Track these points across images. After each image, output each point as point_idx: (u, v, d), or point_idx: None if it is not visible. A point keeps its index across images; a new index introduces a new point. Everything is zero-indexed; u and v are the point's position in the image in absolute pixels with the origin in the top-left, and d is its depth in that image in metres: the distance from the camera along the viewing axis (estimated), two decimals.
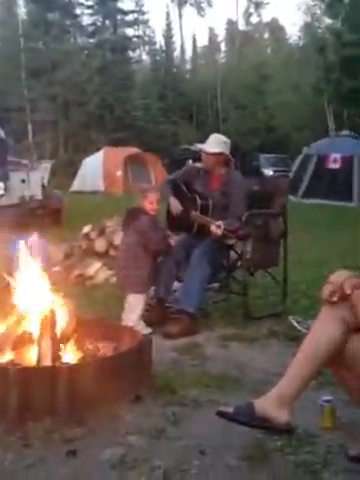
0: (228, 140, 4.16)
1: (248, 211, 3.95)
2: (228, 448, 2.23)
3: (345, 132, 16.24)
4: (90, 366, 2.61)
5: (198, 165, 4.38)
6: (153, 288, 3.95)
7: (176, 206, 4.09)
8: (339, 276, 2.07)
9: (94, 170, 18.29)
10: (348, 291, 2.00)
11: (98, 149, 20.63)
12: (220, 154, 4.05)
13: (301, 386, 2.07)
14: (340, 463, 2.12)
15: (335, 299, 2.03)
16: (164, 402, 2.63)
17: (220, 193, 4.08)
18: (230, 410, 2.12)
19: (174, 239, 3.98)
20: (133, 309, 3.67)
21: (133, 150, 19.93)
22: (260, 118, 30.09)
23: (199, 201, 4.04)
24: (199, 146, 4.21)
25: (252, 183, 4.55)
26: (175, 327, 3.73)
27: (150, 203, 3.71)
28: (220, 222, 3.75)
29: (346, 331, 2.03)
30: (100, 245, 5.93)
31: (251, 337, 3.67)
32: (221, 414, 2.14)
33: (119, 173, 18.32)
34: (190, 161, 18.85)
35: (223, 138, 4.16)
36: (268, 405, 2.06)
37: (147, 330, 3.62)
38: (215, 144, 4.07)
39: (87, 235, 6.15)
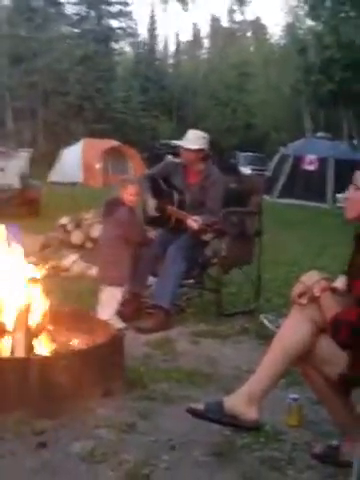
0: (206, 136, 4.15)
1: (225, 208, 3.96)
2: (197, 444, 2.25)
3: (321, 134, 16.42)
4: (62, 359, 2.59)
5: (176, 160, 4.37)
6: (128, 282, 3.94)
7: (151, 207, 4.07)
8: (310, 277, 2.10)
9: (73, 161, 18.09)
10: (317, 294, 2.03)
11: (77, 140, 20.41)
12: (199, 150, 4.05)
13: (270, 384, 2.10)
14: (305, 460, 2.16)
15: (304, 301, 2.06)
16: (135, 396, 2.64)
17: (198, 188, 4.08)
18: (200, 407, 2.14)
19: (151, 233, 3.98)
20: (109, 302, 3.65)
21: (113, 143, 19.76)
22: (240, 116, 30.20)
23: (176, 196, 4.04)
24: (177, 143, 4.19)
25: (229, 181, 4.56)
26: (149, 322, 3.74)
27: (130, 195, 3.69)
28: (197, 217, 3.76)
29: (315, 331, 2.06)
30: (77, 237, 5.89)
31: (223, 334, 3.69)
32: (191, 411, 2.16)
33: (98, 165, 18.17)
34: (169, 156, 18.89)
35: (201, 133, 4.15)
36: (237, 402, 2.09)
37: (121, 324, 3.61)
38: (193, 140, 4.06)
39: (64, 227, 6.10)
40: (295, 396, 2.48)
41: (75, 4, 31.89)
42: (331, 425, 2.29)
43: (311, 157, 14.62)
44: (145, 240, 3.81)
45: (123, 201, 3.70)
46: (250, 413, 2.08)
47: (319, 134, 16.48)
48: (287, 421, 2.45)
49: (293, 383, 2.73)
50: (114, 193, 3.80)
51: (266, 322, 3.67)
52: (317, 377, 2.11)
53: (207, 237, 3.97)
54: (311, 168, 14.56)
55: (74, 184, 17.17)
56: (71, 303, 3.91)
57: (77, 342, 2.90)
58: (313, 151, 14.71)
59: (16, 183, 9.46)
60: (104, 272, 3.74)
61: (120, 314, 3.73)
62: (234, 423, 2.11)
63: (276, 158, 15.95)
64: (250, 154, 23.59)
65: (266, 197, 12.13)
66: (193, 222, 3.73)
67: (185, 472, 2.09)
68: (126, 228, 3.64)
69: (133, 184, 3.78)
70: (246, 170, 21.35)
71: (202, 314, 4.08)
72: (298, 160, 14.76)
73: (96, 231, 5.54)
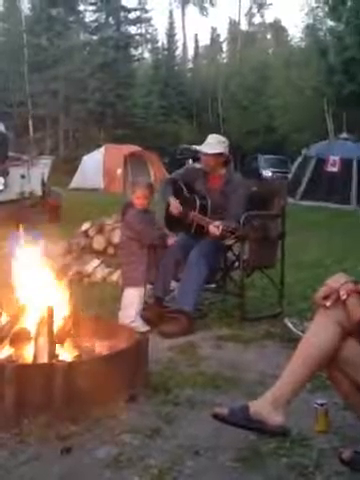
0: (226, 140, 4.15)
1: (246, 212, 3.96)
2: (222, 449, 2.23)
3: (344, 135, 16.26)
4: (86, 364, 2.61)
5: (198, 165, 4.38)
6: (151, 287, 3.96)
7: (176, 206, 4.08)
8: (337, 280, 2.08)
9: (94, 167, 18.27)
10: (344, 297, 2.01)
11: (98, 146, 20.60)
12: (219, 154, 4.05)
13: (296, 389, 2.07)
14: (332, 466, 2.13)
15: (328, 303, 2.04)
16: (159, 401, 2.63)
17: (219, 193, 4.08)
18: (225, 412, 2.12)
19: (172, 238, 3.99)
20: (130, 304, 3.68)
21: (133, 148, 19.91)
22: (260, 119, 30.07)
23: (198, 201, 4.05)
24: (197, 148, 4.20)
25: (251, 184, 4.56)
26: (172, 326, 3.74)
27: (137, 198, 3.74)
28: (218, 222, 3.75)
29: (341, 335, 2.03)
30: (98, 243, 5.91)
31: (247, 338, 3.67)
32: (216, 416, 2.15)
33: (119, 171, 18.32)
34: (190, 161, 18.91)
35: (221, 138, 4.16)
36: (263, 407, 2.07)
37: (145, 327, 3.63)
38: (213, 145, 4.07)
39: (86, 232, 6.14)
40: (322, 401, 2.44)
41: (94, 12, 32.25)
42: (359, 430, 2.25)
43: (334, 158, 14.48)
44: (159, 241, 3.82)
45: (133, 204, 3.74)
46: (276, 418, 2.06)
47: (342, 135, 16.32)
48: (314, 426, 2.41)
49: (319, 387, 2.70)
50: (128, 197, 3.87)
51: (290, 326, 3.64)
52: (344, 381, 2.08)
53: (229, 241, 3.96)
54: (334, 169, 14.42)
55: (95, 190, 17.34)
56: (94, 309, 3.95)
57: (101, 347, 2.91)
58: (336, 152, 14.57)
59: (38, 190, 9.59)
60: (123, 274, 3.79)
61: (143, 318, 3.75)
62: (260, 428, 2.09)
63: (299, 160, 15.83)
64: (272, 156, 23.47)
65: (289, 199, 12.06)
66: (215, 229, 3.72)
67: (210, 478, 2.07)
68: (135, 229, 3.69)
69: (141, 188, 3.81)
70: (268, 173, 21.33)
71: (225, 318, 4.07)
72: (321, 162, 14.64)
73: (117, 236, 5.57)
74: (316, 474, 2.09)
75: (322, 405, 2.43)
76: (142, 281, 3.72)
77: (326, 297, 2.06)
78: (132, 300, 3.69)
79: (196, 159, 4.85)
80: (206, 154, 4.08)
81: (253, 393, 2.46)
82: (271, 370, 2.94)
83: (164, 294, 4.02)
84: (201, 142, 4.22)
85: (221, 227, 3.70)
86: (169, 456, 2.18)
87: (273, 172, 21.20)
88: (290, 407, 2.10)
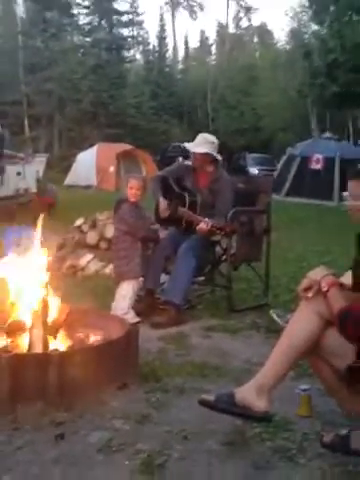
0: (216, 140, 4.14)
1: (233, 208, 3.96)
2: (209, 434, 2.24)
3: (327, 134, 16.32)
4: (79, 354, 2.61)
5: (187, 163, 4.38)
6: (142, 279, 3.96)
7: (163, 209, 4.08)
8: (318, 273, 2.09)
9: (87, 165, 18.16)
10: (324, 288, 2.02)
11: (91, 145, 20.49)
12: (207, 154, 4.05)
13: (279, 376, 2.09)
14: (315, 449, 2.15)
15: (310, 295, 2.05)
16: (149, 389, 2.64)
17: (208, 190, 4.08)
18: (212, 398, 2.13)
19: (163, 233, 3.99)
20: (123, 297, 3.68)
21: (125, 146, 19.83)
22: (248, 119, 30.12)
23: (187, 198, 4.04)
24: (187, 146, 4.20)
25: (238, 181, 4.56)
26: (162, 317, 3.75)
27: (130, 188, 3.71)
28: (207, 219, 3.76)
29: (322, 325, 2.05)
30: (92, 237, 5.90)
31: (234, 328, 3.69)
32: (203, 402, 2.16)
33: (111, 169, 18.23)
34: (180, 158, 18.87)
35: (210, 138, 4.14)
36: (248, 394, 2.08)
37: (136, 319, 3.63)
38: (202, 144, 4.06)
39: (79, 228, 6.12)
40: (305, 387, 2.46)
41: (87, 14, 32.00)
42: (340, 415, 2.27)
43: (318, 156, 14.54)
44: (151, 235, 3.81)
45: (127, 199, 3.73)
46: (260, 404, 2.07)
47: (325, 135, 16.38)
48: (297, 411, 2.43)
49: (303, 375, 2.72)
50: (122, 193, 3.85)
51: (275, 317, 3.65)
52: (325, 368, 2.10)
53: (216, 237, 3.97)
54: (318, 167, 14.48)
55: (89, 187, 17.27)
56: (87, 301, 3.94)
57: (93, 337, 2.91)
58: (320, 151, 14.63)
59: (33, 187, 9.53)
60: (117, 268, 3.77)
61: (135, 310, 3.75)
62: (245, 414, 2.10)
63: (284, 158, 15.88)
64: (258, 155, 23.50)
65: (274, 196, 12.09)
66: (203, 225, 3.73)
67: (198, 461, 2.08)
68: (128, 223, 3.67)
69: (134, 178, 3.80)
70: (254, 171, 21.34)
71: (213, 310, 4.08)
72: (305, 160, 14.69)
73: (110, 231, 5.56)
74: (299, 457, 2.11)
75: (305, 391, 2.45)
76: (136, 275, 3.72)
77: (308, 289, 2.07)
78: (126, 293, 3.69)
79: (186, 157, 4.84)
80: (195, 153, 4.07)
81: (239, 380, 2.47)
82: (257, 358, 2.95)
83: (155, 286, 4.02)
84: (191, 140, 4.21)
85: (210, 224, 3.71)
86: (159, 441, 2.19)
87: (259, 170, 21.20)
88: (274, 393, 2.11)
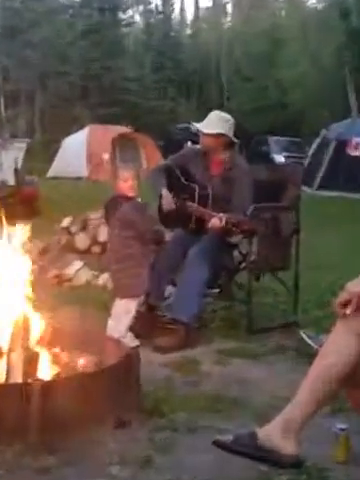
0: (231, 119, 4.15)
1: (254, 204, 3.96)
2: None
3: None
4: (67, 383, 2.62)
5: (197, 147, 4.39)
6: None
7: (168, 202, 4.08)
8: (357, 284, 2.09)
9: (76, 152, 18.24)
10: None
11: (81, 127, 20.59)
12: (220, 135, 4.05)
13: (311, 412, 2.09)
14: None
15: (348, 311, 2.05)
16: (152, 427, 2.64)
17: (222, 181, 4.09)
18: (229, 439, 2.14)
19: (168, 235, 3.99)
20: (122, 317, 3.67)
21: (123, 129, 19.91)
22: (271, 94, 30.11)
23: (197, 190, 4.05)
24: (196, 125, 4.21)
25: (260, 171, 4.57)
26: (167, 339, 3.76)
27: (124, 181, 3.68)
28: (222, 214, 3.76)
29: None
30: (82, 241, 5.93)
31: (256, 352, 3.69)
32: (218, 444, 2.16)
33: (106, 156, 18.29)
34: (189, 143, 18.90)
35: (225, 116, 4.16)
36: (273, 434, 2.08)
37: (135, 342, 3.62)
38: (215, 123, 4.06)
39: (67, 229, 6.15)
40: (342, 426, 2.45)
41: None
42: None
43: (358, 140, 14.49)
44: (158, 237, 3.80)
45: (125, 195, 3.70)
46: (288, 446, 2.07)
47: None
48: (332, 455, 2.42)
49: (339, 410, 2.71)
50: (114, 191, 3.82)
51: (306, 338, 3.66)
52: None
53: (234, 239, 3.97)
54: (358, 154, 14.43)
55: (78, 179, 17.33)
56: (76, 318, 3.95)
57: (84, 363, 2.92)
58: None
59: (10, 179, 9.57)
60: (117, 283, 3.73)
61: (134, 330, 3.75)
62: (269, 458, 2.10)
63: (316, 142, 15.85)
64: (284, 139, 23.50)
65: (304, 188, 12.07)
66: (217, 220, 3.73)
67: None
68: (137, 225, 3.63)
69: (125, 169, 3.77)
70: (280, 158, 21.36)
71: (230, 329, 4.08)
72: (342, 144, 14.64)
73: (104, 234, 5.58)
74: None
75: (342, 430, 2.44)
76: (142, 290, 3.69)
77: (346, 304, 2.07)
78: (125, 311, 3.65)
79: (196, 142, 4.84)
80: (206, 134, 4.08)
81: (262, 417, 2.47)
82: (283, 390, 2.94)
83: (158, 301, 4.03)
84: (201, 120, 4.21)
85: (224, 219, 3.71)
86: None
87: (286, 157, 21.22)
88: (305, 433, 2.11)
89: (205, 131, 4.08)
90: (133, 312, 3.67)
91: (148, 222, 3.71)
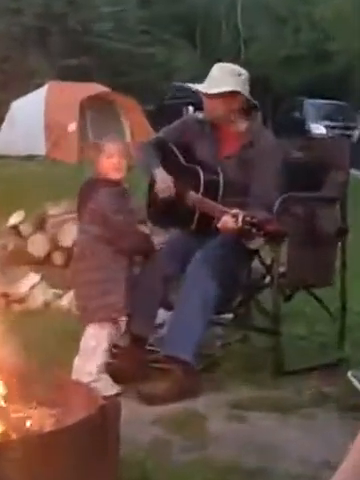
0: (245, 72, 4.16)
1: (283, 194, 3.98)
2: None
3: None
4: (18, 447, 2.61)
5: (201, 116, 4.40)
6: (124, 319, 3.97)
7: (165, 186, 4.09)
8: None
9: (30, 120, 18.26)
10: None
11: (38, 85, 20.60)
12: (232, 96, 4.05)
13: None
14: None
15: None
16: None
17: (237, 162, 4.11)
18: None
19: (160, 239, 4.00)
20: (94, 350, 3.69)
21: (96, 88, 19.91)
22: (305, 39, 30.24)
23: (202, 176, 4.06)
24: (195, 87, 4.22)
25: (291, 147, 4.59)
26: (160, 385, 3.77)
27: (108, 157, 3.73)
28: (236, 210, 3.76)
29: None
30: (38, 246, 5.93)
31: (284, 404, 3.69)
32: None
33: (72, 126, 18.30)
34: (190, 108, 18.95)
35: (235, 68, 4.17)
36: None
37: (114, 389, 3.64)
38: (220, 79, 4.07)
39: (16, 229, 6.16)
40: None
41: None
42: None
43: None
44: (142, 244, 3.82)
45: (105, 179, 3.74)
46: None
47: None
48: None
49: None
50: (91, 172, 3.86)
51: (357, 383, 3.66)
52: None
53: (254, 243, 3.96)
54: None
55: (32, 158, 17.34)
56: (31, 354, 3.94)
57: (39, 420, 2.92)
58: None
59: None
60: (81, 302, 3.78)
61: (112, 372, 3.76)
62: None
63: None
64: (326, 102, 23.59)
65: (354, 172, 12.10)
66: (230, 218, 3.73)
67: None
68: (107, 221, 3.66)
69: (112, 143, 3.82)
70: (319, 128, 21.41)
71: (248, 371, 4.08)
72: None
73: (69, 235, 5.58)
74: None
75: None
76: (116, 312, 3.74)
77: None
78: (96, 344, 3.69)
79: (199, 107, 4.86)
80: (210, 96, 4.08)
81: None
82: (324, 456, 2.96)
83: (146, 331, 4.03)
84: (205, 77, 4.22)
85: (241, 217, 3.71)
86: None
87: (328, 127, 21.27)
88: None
89: (208, 91, 4.09)
90: (105, 345, 3.70)
91: (130, 221, 3.73)
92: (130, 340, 4.02)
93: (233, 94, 4.05)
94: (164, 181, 4.11)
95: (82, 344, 3.74)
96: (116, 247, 3.71)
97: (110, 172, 3.73)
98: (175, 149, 4.22)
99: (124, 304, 3.74)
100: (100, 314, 3.70)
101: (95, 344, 3.70)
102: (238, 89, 4.05)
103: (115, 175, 3.73)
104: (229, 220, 3.74)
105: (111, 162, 3.72)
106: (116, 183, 3.74)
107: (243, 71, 4.15)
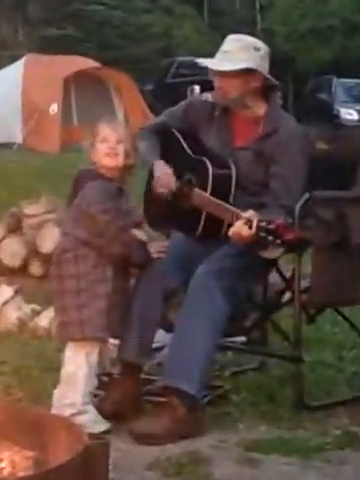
0: (264, 46, 4.18)
1: (308, 193, 4.00)
2: None
3: None
4: None
5: (210, 98, 4.41)
6: (115, 342, 3.97)
7: (167, 180, 4.11)
8: None
9: (3, 101, 18.30)
10: None
11: (13, 59, 20.65)
12: (247, 74, 4.06)
13: None
14: None
15: None
16: None
17: (252, 154, 4.12)
18: None
19: (157, 245, 4.01)
20: (73, 379, 3.70)
21: (83, 62, 19.95)
22: (334, 9, 30.30)
23: (211, 170, 4.08)
24: (203, 62, 4.23)
25: (317, 136, 4.59)
26: (157, 422, 3.76)
27: (102, 141, 3.75)
28: (252, 212, 3.77)
29: None
30: (11, 252, 5.94)
31: (307, 446, 3.69)
32: None
33: (54, 108, 18.33)
34: (196, 88, 18.95)
35: (252, 41, 4.18)
36: None
37: (103, 425, 3.64)
38: (235, 54, 4.08)
39: None
40: None
41: None
42: None
43: None
44: (136, 252, 3.83)
45: (97, 171, 3.76)
46: None
47: None
48: None
49: None
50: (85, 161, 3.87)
51: None
52: None
53: (271, 252, 3.96)
54: None
55: (7, 146, 17.37)
56: (4, 385, 3.95)
57: (13, 463, 2.92)
58: None
59: None
60: (61, 318, 3.80)
61: (100, 406, 3.76)
62: None
63: None
64: (358, 81, 23.60)
65: None
66: (243, 226, 3.73)
67: None
68: (96, 222, 3.66)
69: (109, 125, 3.85)
70: (350, 114, 21.42)
71: (264, 406, 4.09)
72: None
73: (50, 239, 5.59)
74: None
75: None
76: (99, 333, 3.74)
77: None
78: (75, 368, 3.70)
79: (208, 87, 4.87)
80: (222, 74, 4.10)
81: None
82: None
83: (141, 357, 4.03)
84: (215, 51, 4.23)
85: (255, 223, 3.72)
86: None
87: None
88: None
89: (220, 68, 4.09)
90: (85, 369, 3.70)
91: (121, 223, 3.73)
92: (121, 367, 4.01)
93: (249, 72, 4.05)
94: (164, 174, 4.13)
95: (63, 369, 3.74)
96: (101, 253, 3.71)
97: (103, 158, 3.73)
98: (180, 137, 4.24)
99: (103, 322, 3.72)
100: (73, 330, 3.71)
101: (74, 368, 3.69)
102: (255, 66, 4.05)
103: (109, 162, 3.72)
104: (242, 227, 3.74)
105: (105, 147, 3.73)
106: (110, 178, 3.74)
107: (262, 45, 4.16)
